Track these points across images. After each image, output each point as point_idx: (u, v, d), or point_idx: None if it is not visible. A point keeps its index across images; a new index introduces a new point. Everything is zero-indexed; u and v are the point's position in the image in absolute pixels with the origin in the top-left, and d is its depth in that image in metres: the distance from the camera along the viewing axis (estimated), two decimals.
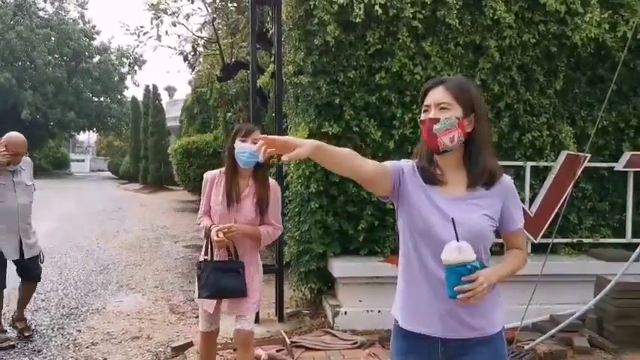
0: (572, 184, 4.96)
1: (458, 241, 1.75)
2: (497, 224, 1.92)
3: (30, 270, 4.85)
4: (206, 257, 3.28)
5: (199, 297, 3.30)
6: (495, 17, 5.02)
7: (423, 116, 1.93)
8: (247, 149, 3.13)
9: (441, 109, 1.88)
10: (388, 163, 1.98)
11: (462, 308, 1.85)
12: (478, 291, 1.74)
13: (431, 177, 1.92)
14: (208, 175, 3.36)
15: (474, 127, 1.90)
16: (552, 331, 4.33)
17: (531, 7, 5.15)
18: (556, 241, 4.90)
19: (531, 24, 5.17)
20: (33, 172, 4.89)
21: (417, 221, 1.90)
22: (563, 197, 5.03)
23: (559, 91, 5.36)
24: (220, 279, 3.16)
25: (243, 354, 3.34)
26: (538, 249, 5.04)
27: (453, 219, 1.78)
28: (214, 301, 3.28)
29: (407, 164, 1.99)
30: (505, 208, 1.92)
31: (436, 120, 1.87)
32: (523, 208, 5.01)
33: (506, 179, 1.95)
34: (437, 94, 1.90)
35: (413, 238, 1.92)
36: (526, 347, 4.27)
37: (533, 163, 5.30)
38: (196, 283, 3.32)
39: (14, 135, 4.60)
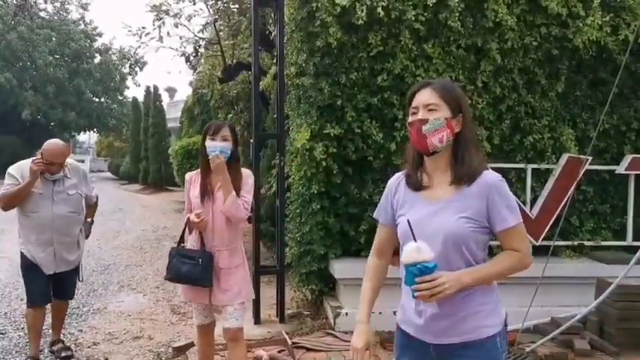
0: (573, 186, 4.98)
1: (415, 241, 1.79)
2: (487, 224, 1.89)
3: (64, 287, 4.45)
4: (181, 244, 3.49)
5: (164, 278, 3.57)
6: (497, 20, 5.03)
7: (411, 118, 1.97)
8: (217, 147, 3.27)
9: (430, 110, 1.92)
10: (380, 219, 2.15)
11: (445, 317, 1.89)
12: (436, 291, 1.75)
13: (416, 184, 1.99)
14: (187, 175, 3.56)
15: (461, 127, 1.94)
16: (553, 333, 4.34)
17: (533, 10, 5.16)
18: (557, 243, 4.91)
19: (533, 27, 5.18)
20: (84, 178, 4.43)
21: (403, 228, 1.93)
22: (565, 200, 5.03)
23: (560, 94, 5.37)
24: (181, 266, 3.33)
25: (234, 349, 3.44)
26: (539, 251, 5.05)
27: (408, 220, 1.84)
28: (207, 295, 3.36)
29: (393, 182, 2.09)
30: (490, 207, 1.88)
31: (425, 121, 1.91)
32: (524, 211, 5.04)
33: (490, 176, 1.90)
34: (424, 96, 1.94)
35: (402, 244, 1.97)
36: (527, 349, 4.28)
37: (535, 166, 5.31)
38: None
39: (52, 143, 4.26)
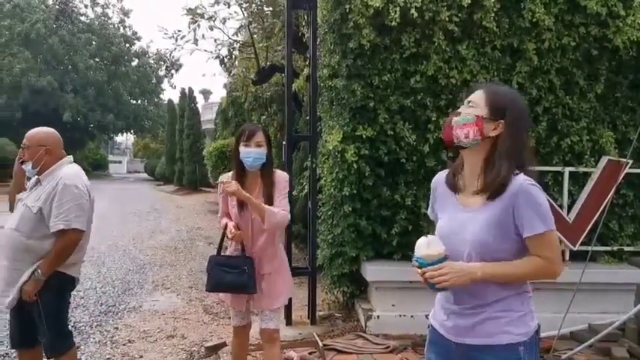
0: (612, 190, 4.84)
1: (427, 236, 1.89)
2: (518, 231, 1.85)
3: (35, 327, 3.23)
4: (221, 253, 3.45)
5: (206, 289, 3.48)
6: (534, 20, 4.93)
7: None
8: (252, 153, 3.24)
9: (469, 106, 1.95)
10: (431, 217, 2.17)
11: (468, 316, 1.91)
12: (439, 280, 1.81)
13: (452, 184, 2.01)
14: (222, 178, 3.47)
15: (501, 134, 1.89)
16: (591, 340, 4.23)
17: (571, 10, 5.04)
18: (595, 248, 4.78)
19: (571, 27, 5.06)
20: (54, 196, 3.12)
21: (439, 227, 2.03)
22: (604, 204, 4.90)
23: (600, 95, 5.23)
24: (224, 275, 3.27)
25: (269, 350, 3.47)
26: (577, 257, 4.93)
27: (425, 224, 1.89)
28: (244, 300, 3.39)
29: (438, 179, 2.10)
30: (517, 213, 1.84)
31: (458, 113, 1.95)
32: (561, 215, 4.94)
33: (518, 181, 1.85)
34: (473, 94, 1.98)
35: None
36: (563, 357, 4.19)
37: (572, 169, 5.18)
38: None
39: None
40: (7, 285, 3.16)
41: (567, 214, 5.09)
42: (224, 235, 3.36)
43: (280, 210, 3.28)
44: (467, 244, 1.88)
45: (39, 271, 3.10)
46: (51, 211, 3.11)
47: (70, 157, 3.40)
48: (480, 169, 1.92)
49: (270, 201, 3.30)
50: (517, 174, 1.87)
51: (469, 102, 1.96)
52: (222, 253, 3.49)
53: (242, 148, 3.27)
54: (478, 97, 1.95)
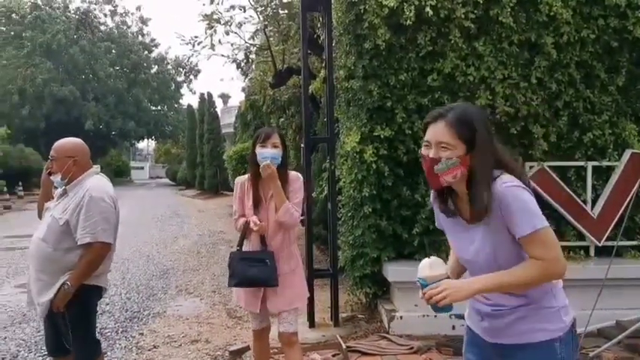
0: (637, 183, 4.76)
1: (429, 257, 1.91)
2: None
3: (62, 336, 3.22)
4: (238, 248, 3.45)
5: (228, 285, 3.49)
6: (552, 13, 4.87)
7: (423, 150, 1.89)
8: (268, 154, 3.27)
9: (442, 148, 1.82)
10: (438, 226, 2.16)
11: (501, 316, 1.92)
12: (439, 298, 1.80)
13: (447, 211, 1.99)
14: (238, 180, 3.54)
15: (472, 160, 1.83)
16: (619, 337, 4.16)
17: (590, 2, 4.96)
18: (621, 243, 4.70)
19: (590, 19, 4.99)
20: (80, 208, 3.10)
21: (453, 247, 2.09)
22: (629, 198, 4.82)
23: (621, 88, 5.14)
24: (248, 269, 3.28)
25: (289, 353, 3.48)
26: (602, 252, 4.86)
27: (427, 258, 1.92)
28: (258, 302, 3.39)
29: (432, 201, 2.10)
30: (505, 217, 1.80)
31: (437, 160, 1.82)
32: (584, 210, 4.87)
33: (496, 188, 1.80)
34: (438, 131, 1.83)
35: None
36: (591, 354, 4.12)
37: (595, 163, 5.10)
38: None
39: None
40: (34, 295, 3.21)
41: (591, 210, 5.02)
42: (245, 231, 3.39)
43: (293, 208, 3.34)
44: (483, 258, 1.89)
45: (68, 283, 3.10)
46: (78, 223, 3.10)
47: (97, 168, 3.42)
48: (466, 195, 1.89)
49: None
50: (496, 177, 1.82)
51: (440, 144, 1.82)
52: (238, 248, 3.50)
53: (259, 149, 3.32)
54: (445, 135, 1.81)
